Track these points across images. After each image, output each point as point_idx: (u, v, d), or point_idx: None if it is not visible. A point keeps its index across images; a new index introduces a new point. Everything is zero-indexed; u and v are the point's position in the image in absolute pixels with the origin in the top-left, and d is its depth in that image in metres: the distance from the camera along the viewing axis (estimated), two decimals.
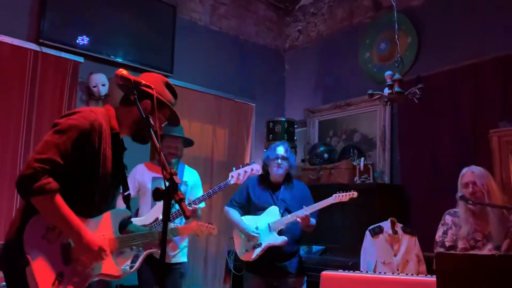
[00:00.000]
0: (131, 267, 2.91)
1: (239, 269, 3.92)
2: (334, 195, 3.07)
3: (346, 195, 3.06)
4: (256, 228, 3.11)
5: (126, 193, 2.04)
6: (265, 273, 3.09)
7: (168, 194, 1.54)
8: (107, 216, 1.91)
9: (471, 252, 2.60)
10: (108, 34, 4.22)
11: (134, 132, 1.95)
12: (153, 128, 1.72)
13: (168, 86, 2.02)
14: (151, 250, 2.91)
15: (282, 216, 3.12)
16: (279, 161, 3.19)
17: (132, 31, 4.38)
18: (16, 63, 3.69)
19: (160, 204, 2.88)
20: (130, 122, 1.94)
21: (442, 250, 2.72)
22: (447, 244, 2.73)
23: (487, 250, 2.59)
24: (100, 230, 1.87)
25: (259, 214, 3.18)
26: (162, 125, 2.09)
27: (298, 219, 2.98)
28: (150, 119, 1.78)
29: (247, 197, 3.27)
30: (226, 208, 3.31)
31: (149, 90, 1.82)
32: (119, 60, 4.22)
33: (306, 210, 2.99)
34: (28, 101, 3.71)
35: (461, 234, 2.68)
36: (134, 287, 3.10)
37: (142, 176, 3.18)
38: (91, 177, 1.80)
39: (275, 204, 3.17)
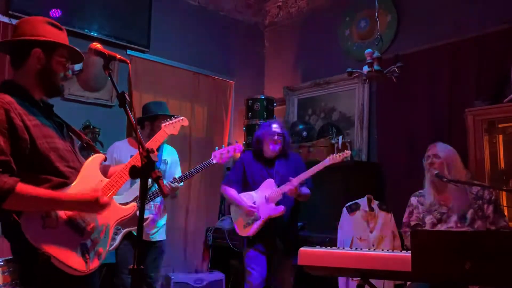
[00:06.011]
0: (110, 245, 2.89)
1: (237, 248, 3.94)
2: (328, 157, 3.17)
3: (339, 155, 3.18)
4: (254, 203, 3.13)
5: (83, 143, 2.00)
6: (264, 247, 3.14)
7: (145, 172, 1.52)
8: (85, 172, 1.85)
9: (438, 225, 2.74)
10: (81, 7, 4.06)
11: (43, 85, 1.83)
12: (129, 104, 1.66)
13: (51, 23, 1.87)
14: (130, 228, 2.89)
15: (278, 187, 3.16)
16: (276, 137, 3.20)
17: (107, 4, 4.22)
18: None
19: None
20: (32, 79, 1.81)
21: (408, 230, 2.86)
22: (412, 223, 2.87)
23: (452, 222, 2.71)
24: (88, 184, 1.82)
25: (256, 189, 3.19)
26: (70, 68, 1.91)
27: (286, 190, 3.04)
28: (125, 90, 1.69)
29: (243, 174, 3.29)
30: (223, 186, 3.34)
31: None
32: (94, 34, 4.08)
33: (295, 181, 3.04)
34: None
35: (426, 206, 2.81)
36: (112, 265, 3.07)
37: (120, 154, 3.12)
38: (37, 151, 1.71)
39: (270, 177, 3.19)
